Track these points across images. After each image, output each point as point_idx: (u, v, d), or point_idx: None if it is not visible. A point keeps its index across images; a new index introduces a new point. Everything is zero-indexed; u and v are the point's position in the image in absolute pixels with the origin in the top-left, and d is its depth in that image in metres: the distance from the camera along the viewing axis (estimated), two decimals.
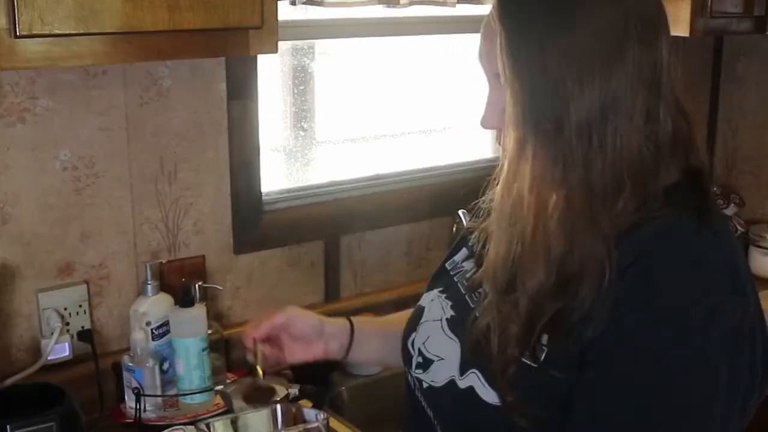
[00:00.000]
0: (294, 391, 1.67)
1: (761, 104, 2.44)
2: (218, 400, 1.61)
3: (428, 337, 1.09)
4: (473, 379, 0.98)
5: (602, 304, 0.88)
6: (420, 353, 1.09)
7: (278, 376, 1.77)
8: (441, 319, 1.09)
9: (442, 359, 1.05)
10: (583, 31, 0.88)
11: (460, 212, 1.93)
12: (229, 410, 1.51)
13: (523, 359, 0.93)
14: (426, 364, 1.07)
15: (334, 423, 1.62)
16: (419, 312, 1.15)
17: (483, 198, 1.07)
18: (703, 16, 1.91)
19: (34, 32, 1.17)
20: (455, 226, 1.99)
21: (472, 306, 1.05)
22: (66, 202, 1.59)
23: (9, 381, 1.52)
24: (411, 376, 1.11)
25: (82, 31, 1.20)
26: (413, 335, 1.12)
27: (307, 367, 1.79)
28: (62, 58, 1.22)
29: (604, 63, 0.88)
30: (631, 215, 0.90)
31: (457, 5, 1.91)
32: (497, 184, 0.98)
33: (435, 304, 1.12)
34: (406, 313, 1.25)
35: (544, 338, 0.92)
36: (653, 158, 0.91)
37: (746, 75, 2.46)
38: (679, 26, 1.91)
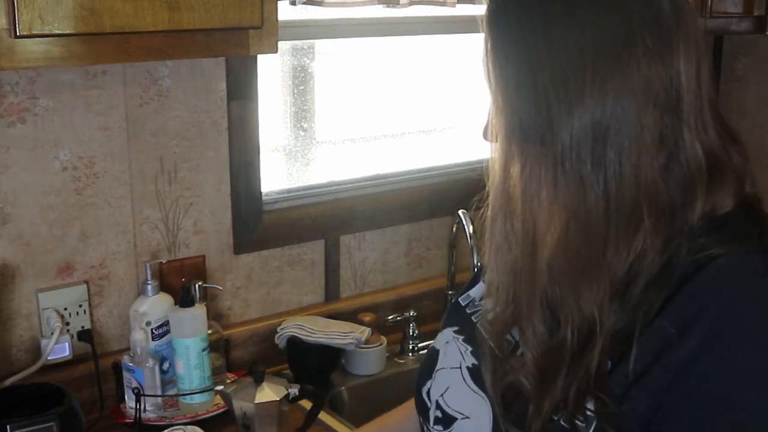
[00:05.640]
0: (294, 391, 1.66)
1: (761, 104, 2.44)
2: (218, 400, 1.61)
3: (447, 388, 0.97)
4: None
5: (662, 370, 0.78)
6: (438, 407, 0.97)
7: (278, 377, 1.77)
8: (461, 367, 0.97)
9: (468, 418, 0.93)
10: (576, 44, 0.77)
11: (460, 212, 1.93)
12: (229, 410, 1.51)
13: (564, 423, 0.81)
14: (447, 421, 0.95)
15: (334, 423, 1.62)
16: (434, 355, 1.02)
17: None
18: (703, 16, 1.91)
19: (34, 32, 1.17)
20: (455, 226, 1.99)
21: (498, 354, 0.91)
22: (66, 202, 1.59)
23: (9, 381, 1.52)
24: (428, 428, 0.99)
25: (82, 31, 1.20)
26: (429, 383, 1.00)
27: (307, 368, 1.80)
28: (62, 58, 1.21)
29: (598, 79, 0.77)
30: (659, 255, 0.79)
31: (457, 5, 1.91)
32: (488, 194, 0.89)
33: (451, 347, 1.00)
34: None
35: (590, 404, 0.80)
36: (680, 189, 0.80)
37: (746, 75, 2.46)
38: None
